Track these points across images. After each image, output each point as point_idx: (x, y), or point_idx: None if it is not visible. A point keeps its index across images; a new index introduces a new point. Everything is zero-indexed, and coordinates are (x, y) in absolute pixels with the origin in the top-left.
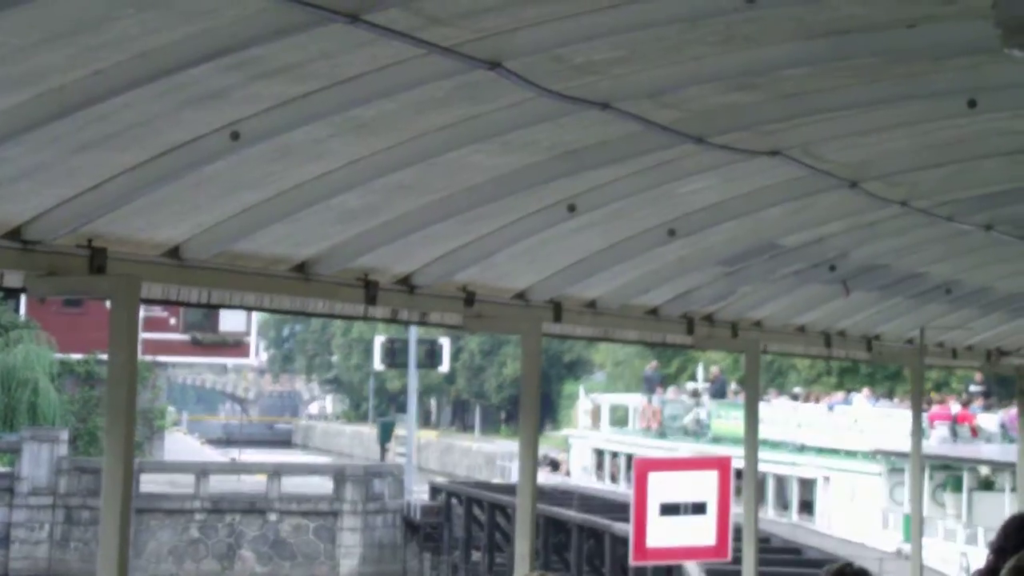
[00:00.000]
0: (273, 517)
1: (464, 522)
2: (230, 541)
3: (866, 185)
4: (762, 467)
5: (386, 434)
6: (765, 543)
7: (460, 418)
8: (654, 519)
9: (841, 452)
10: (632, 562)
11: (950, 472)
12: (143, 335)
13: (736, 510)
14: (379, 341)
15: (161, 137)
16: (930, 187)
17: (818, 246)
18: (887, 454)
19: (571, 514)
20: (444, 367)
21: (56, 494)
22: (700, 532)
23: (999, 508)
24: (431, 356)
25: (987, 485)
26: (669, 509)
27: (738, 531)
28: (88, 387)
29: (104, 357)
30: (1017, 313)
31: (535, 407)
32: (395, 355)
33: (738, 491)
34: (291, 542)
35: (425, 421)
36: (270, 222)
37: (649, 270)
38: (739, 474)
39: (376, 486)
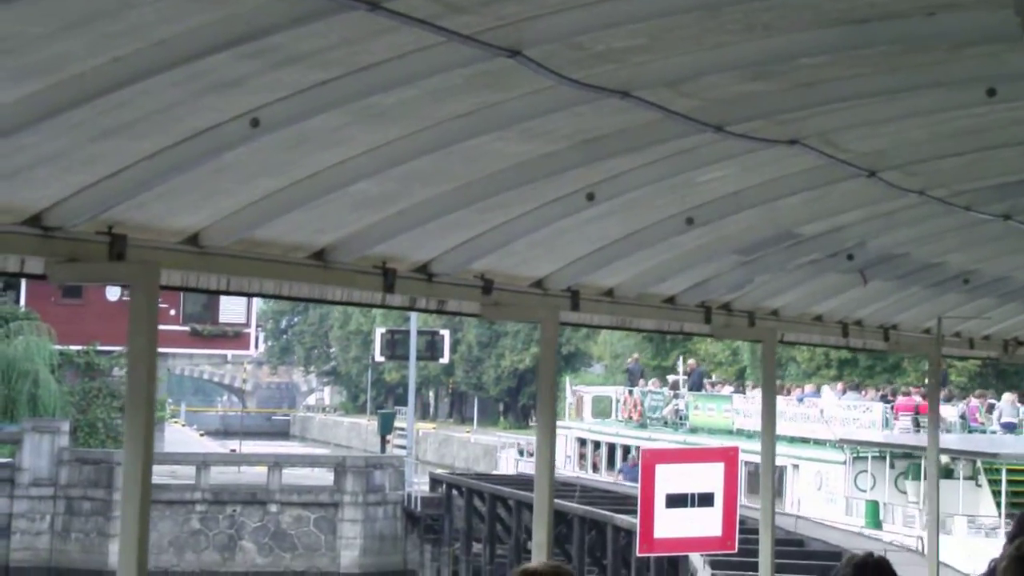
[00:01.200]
0: (274, 508)
1: (464, 513)
2: (231, 532)
3: (884, 174)
4: (747, 457)
5: (387, 426)
6: None
7: (458, 410)
8: (661, 510)
9: (811, 441)
10: (639, 553)
11: (911, 460)
12: None
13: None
14: (379, 332)
15: (180, 124)
16: (948, 176)
17: (836, 235)
18: (850, 443)
19: (573, 506)
20: (444, 359)
21: (57, 485)
22: (707, 523)
23: (955, 494)
24: (431, 348)
25: (947, 473)
26: (676, 500)
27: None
28: (88, 378)
29: (103, 348)
30: None
31: (551, 397)
32: (395, 347)
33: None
34: (292, 533)
35: (423, 413)
36: (289, 209)
37: (667, 259)
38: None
39: (377, 478)
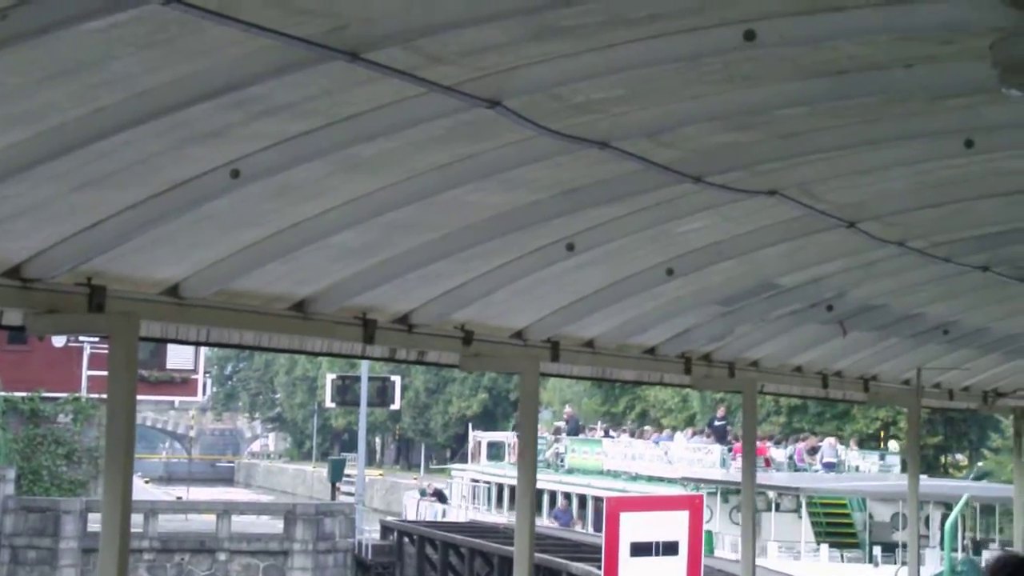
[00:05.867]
0: (223, 556)
1: (416, 561)
2: None
3: (863, 225)
4: (600, 492)
5: (337, 473)
6: None
7: (405, 456)
8: (625, 559)
9: (665, 480)
10: None
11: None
12: (88, 372)
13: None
14: (330, 379)
15: (161, 175)
16: (927, 227)
17: (815, 286)
18: (691, 480)
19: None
20: (396, 405)
21: (2, 534)
22: (672, 572)
23: (781, 525)
24: (382, 394)
25: (776, 507)
26: (640, 549)
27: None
28: (33, 425)
29: (48, 395)
30: (1014, 354)
31: (533, 446)
32: (346, 392)
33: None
34: None
35: (370, 459)
36: (269, 260)
37: (647, 309)
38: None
39: (327, 525)
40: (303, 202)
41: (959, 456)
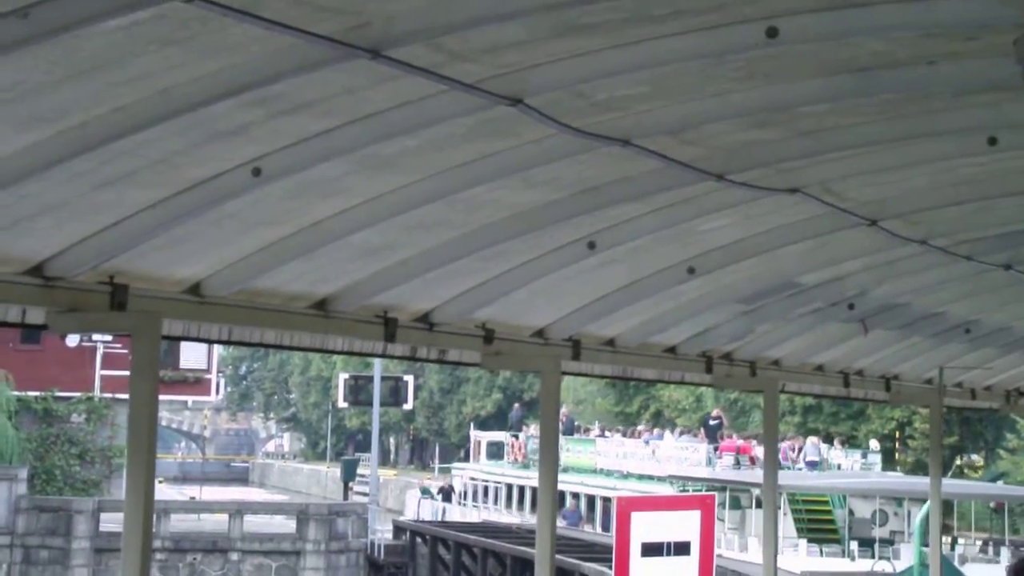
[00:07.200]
0: (235, 556)
1: (429, 561)
2: None
3: (885, 223)
4: (592, 490)
5: (350, 472)
6: None
7: (419, 456)
8: (636, 560)
9: (655, 478)
10: None
11: (728, 493)
12: (101, 372)
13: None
14: (343, 378)
15: (182, 173)
16: (950, 225)
17: (837, 285)
18: (678, 478)
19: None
20: (408, 405)
21: (14, 534)
22: (683, 573)
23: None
24: (395, 393)
25: (759, 504)
26: (652, 550)
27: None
28: (46, 425)
29: (62, 395)
30: None
31: (554, 446)
32: (359, 392)
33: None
34: None
35: (384, 459)
36: (290, 259)
37: (668, 308)
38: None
39: (340, 525)
40: (324, 200)
41: (974, 456)
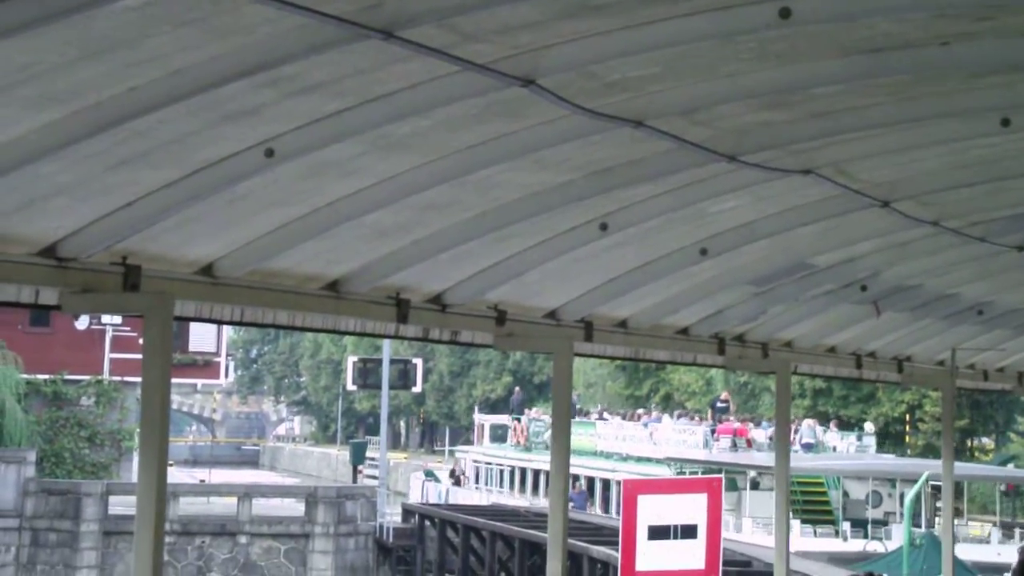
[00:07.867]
0: (244, 539)
1: (437, 545)
2: (200, 564)
3: (898, 204)
4: (592, 472)
5: (359, 455)
6: (746, 567)
7: (429, 439)
8: (643, 542)
9: (653, 460)
10: None
11: (727, 475)
12: (111, 355)
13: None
14: (352, 361)
15: (195, 154)
16: (962, 207)
17: (849, 266)
18: (676, 460)
19: (547, 536)
20: (417, 388)
21: (23, 516)
22: (690, 556)
23: (764, 503)
24: (404, 376)
25: (755, 485)
26: (658, 532)
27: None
28: (55, 408)
29: (71, 377)
30: None
31: (566, 428)
32: (368, 375)
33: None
34: (261, 565)
35: (394, 443)
36: (303, 240)
37: (680, 289)
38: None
39: (348, 508)
40: (336, 181)
41: (985, 440)
